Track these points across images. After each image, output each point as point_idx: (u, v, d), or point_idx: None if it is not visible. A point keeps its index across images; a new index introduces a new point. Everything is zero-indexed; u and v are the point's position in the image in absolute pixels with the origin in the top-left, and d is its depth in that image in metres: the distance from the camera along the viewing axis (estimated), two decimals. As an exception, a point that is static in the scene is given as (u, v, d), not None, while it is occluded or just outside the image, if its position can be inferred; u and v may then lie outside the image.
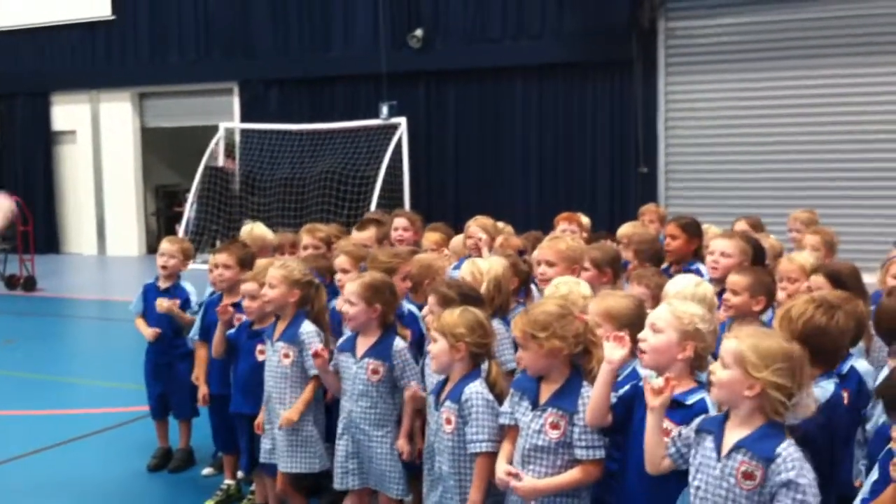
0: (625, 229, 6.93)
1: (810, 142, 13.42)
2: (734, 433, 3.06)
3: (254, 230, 6.81)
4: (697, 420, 3.23)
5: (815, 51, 13.29)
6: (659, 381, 3.22)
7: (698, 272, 5.47)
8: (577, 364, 3.68)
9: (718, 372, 3.08)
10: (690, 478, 3.17)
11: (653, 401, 3.23)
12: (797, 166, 13.48)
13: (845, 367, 3.89)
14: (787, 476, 2.93)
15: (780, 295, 4.98)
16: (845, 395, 3.75)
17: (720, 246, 5.30)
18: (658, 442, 3.28)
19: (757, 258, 5.50)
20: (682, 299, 3.79)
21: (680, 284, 4.31)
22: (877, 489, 3.14)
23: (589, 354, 3.65)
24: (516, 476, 3.58)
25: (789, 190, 13.22)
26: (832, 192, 13.15)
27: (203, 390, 5.79)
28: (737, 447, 3.03)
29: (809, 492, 2.93)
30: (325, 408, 5.16)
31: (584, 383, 3.61)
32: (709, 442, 3.12)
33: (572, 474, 3.57)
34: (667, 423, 3.34)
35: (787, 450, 2.97)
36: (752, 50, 13.68)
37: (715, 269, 5.21)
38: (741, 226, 7.23)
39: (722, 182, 14.00)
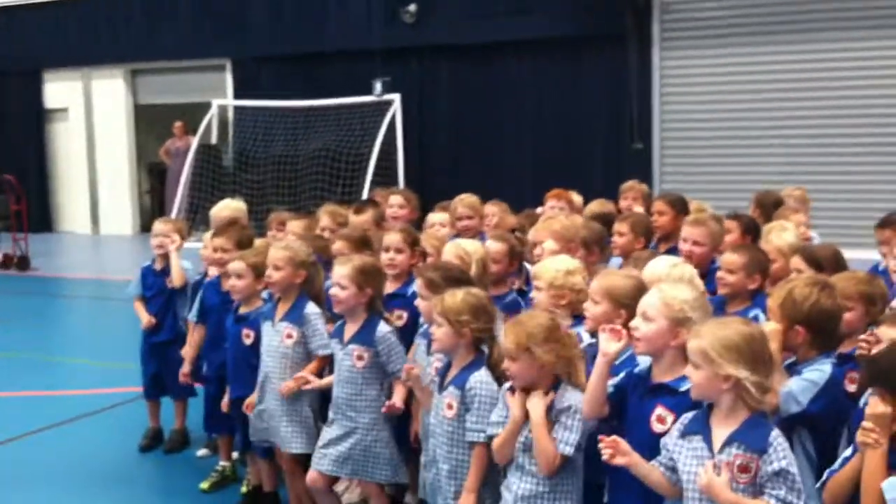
0: (593, 207, 6.82)
1: (807, 117, 13.33)
2: (722, 428, 3.03)
3: (231, 203, 6.91)
4: (677, 427, 3.18)
5: (812, 24, 13.18)
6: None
7: None
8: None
9: (692, 374, 3.08)
10: (683, 483, 3.09)
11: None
12: (793, 142, 13.40)
13: None
14: (780, 465, 2.92)
15: None
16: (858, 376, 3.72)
17: (691, 234, 5.17)
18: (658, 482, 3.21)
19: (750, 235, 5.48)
20: (672, 283, 3.69)
21: (656, 268, 4.16)
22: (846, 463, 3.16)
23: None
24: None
25: (785, 165, 13.16)
26: (828, 167, 13.09)
27: (186, 369, 5.89)
28: (730, 441, 3.00)
29: (798, 479, 2.94)
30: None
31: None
32: (697, 442, 3.08)
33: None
34: (660, 410, 3.32)
35: (777, 439, 2.97)
36: (747, 24, 13.57)
37: (689, 258, 4.96)
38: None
39: (718, 157, 13.91)
